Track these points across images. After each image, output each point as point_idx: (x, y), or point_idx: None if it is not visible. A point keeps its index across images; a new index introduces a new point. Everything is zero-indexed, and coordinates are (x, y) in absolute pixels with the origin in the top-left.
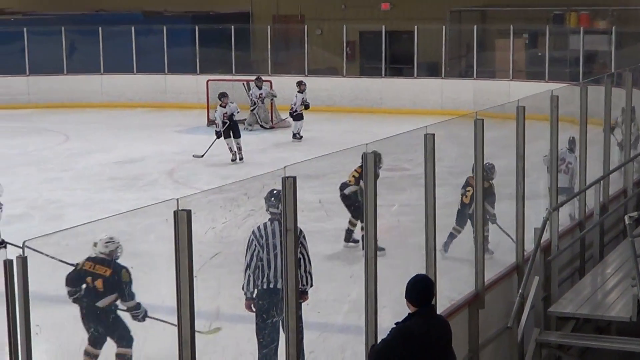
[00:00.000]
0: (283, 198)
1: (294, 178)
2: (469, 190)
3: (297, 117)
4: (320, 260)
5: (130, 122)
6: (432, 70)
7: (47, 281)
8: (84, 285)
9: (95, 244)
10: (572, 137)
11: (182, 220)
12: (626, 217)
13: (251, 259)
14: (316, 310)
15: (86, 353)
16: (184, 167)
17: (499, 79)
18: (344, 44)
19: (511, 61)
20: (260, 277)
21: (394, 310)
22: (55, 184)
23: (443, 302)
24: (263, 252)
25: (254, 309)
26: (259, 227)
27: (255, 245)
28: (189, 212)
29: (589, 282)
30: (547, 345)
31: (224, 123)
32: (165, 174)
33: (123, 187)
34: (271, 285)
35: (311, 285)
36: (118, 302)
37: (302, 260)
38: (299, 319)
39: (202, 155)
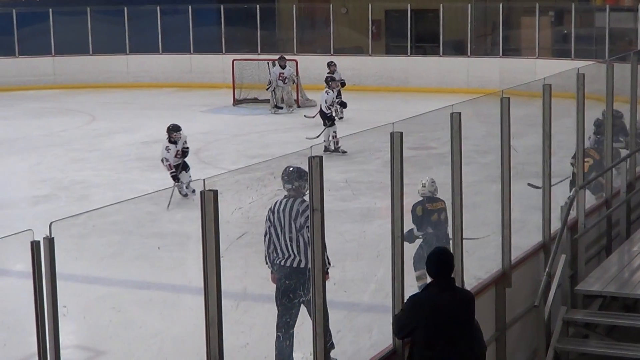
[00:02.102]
0: (310, 178)
1: (321, 157)
2: (587, 161)
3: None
4: (347, 239)
5: (156, 102)
6: (457, 49)
7: (74, 262)
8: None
9: (423, 185)
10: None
11: (209, 201)
12: None
13: (265, 234)
14: (343, 289)
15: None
16: (210, 146)
17: (525, 57)
18: (370, 23)
19: (537, 39)
20: (273, 252)
21: (420, 289)
22: (81, 165)
23: (470, 281)
24: (272, 228)
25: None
26: (275, 204)
27: (267, 220)
28: (215, 192)
29: (615, 260)
30: (574, 323)
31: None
32: (191, 153)
33: (149, 167)
34: (281, 262)
35: (329, 264)
36: None
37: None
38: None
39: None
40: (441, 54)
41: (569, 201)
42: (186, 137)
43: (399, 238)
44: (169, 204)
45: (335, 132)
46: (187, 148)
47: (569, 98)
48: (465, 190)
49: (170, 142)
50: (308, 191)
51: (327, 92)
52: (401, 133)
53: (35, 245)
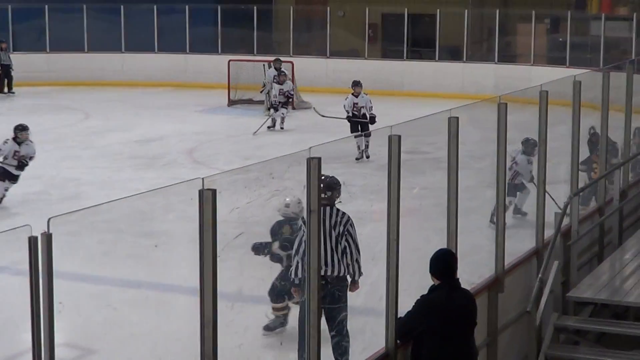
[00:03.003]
0: (307, 179)
1: (319, 159)
2: (595, 168)
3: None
4: None
5: (150, 101)
6: (453, 54)
7: (66, 259)
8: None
9: (287, 205)
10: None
11: (207, 200)
12: None
13: (299, 244)
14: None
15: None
16: (204, 146)
17: (520, 64)
18: (366, 26)
19: (532, 46)
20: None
21: (413, 293)
22: (74, 162)
23: (463, 286)
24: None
25: (298, 295)
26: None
27: (303, 231)
28: (214, 192)
29: (607, 267)
30: (564, 329)
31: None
32: (185, 153)
33: (142, 166)
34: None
35: (360, 274)
36: None
37: (347, 249)
38: (342, 305)
39: None
40: (437, 59)
41: (563, 208)
42: (34, 149)
43: (394, 241)
44: None
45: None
46: (27, 160)
47: (564, 105)
48: (459, 195)
49: (14, 140)
50: (339, 200)
51: (346, 98)
52: (399, 136)
53: (32, 241)
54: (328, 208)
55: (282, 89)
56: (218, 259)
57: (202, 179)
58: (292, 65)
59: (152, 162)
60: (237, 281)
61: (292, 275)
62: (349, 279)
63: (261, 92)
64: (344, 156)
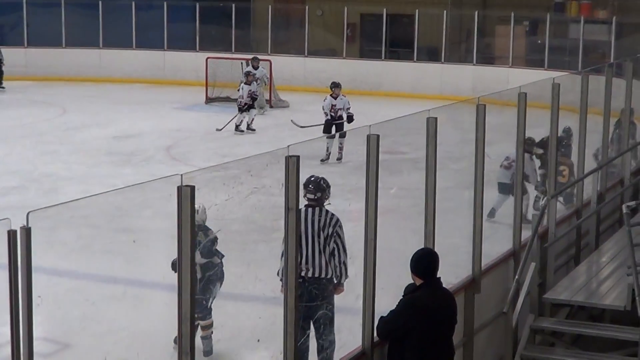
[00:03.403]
0: (286, 177)
1: (298, 157)
2: (564, 170)
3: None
4: None
5: (128, 98)
6: (431, 55)
7: (43, 254)
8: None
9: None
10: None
11: (186, 197)
12: (624, 207)
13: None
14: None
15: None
16: (181, 143)
17: (499, 66)
18: (345, 26)
19: (511, 48)
20: None
21: (391, 292)
22: (51, 157)
23: None
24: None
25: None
26: None
27: None
28: (192, 188)
29: (584, 270)
30: (541, 331)
31: None
32: (162, 150)
33: (120, 162)
34: (302, 274)
35: (346, 277)
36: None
37: (335, 250)
38: (330, 307)
39: None
40: (415, 59)
41: (541, 210)
42: None
43: (372, 240)
44: None
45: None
46: None
47: (542, 108)
48: (437, 196)
49: None
50: (328, 202)
51: (324, 99)
52: (377, 136)
53: (12, 235)
54: (317, 209)
55: (250, 90)
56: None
57: (181, 175)
58: (270, 63)
59: (130, 158)
60: None
61: (280, 276)
62: (335, 281)
63: (239, 90)
64: (320, 156)
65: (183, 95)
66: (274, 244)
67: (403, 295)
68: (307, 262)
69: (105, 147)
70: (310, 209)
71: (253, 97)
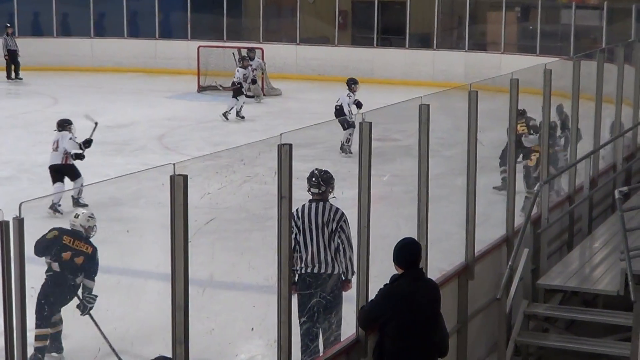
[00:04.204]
0: (278, 165)
1: (290, 145)
2: (534, 155)
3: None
4: None
5: (120, 87)
6: (423, 42)
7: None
8: (54, 262)
9: (76, 216)
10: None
11: (179, 186)
12: (616, 192)
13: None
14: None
15: (41, 338)
16: (174, 133)
17: (491, 52)
18: (336, 13)
19: (503, 34)
20: (298, 262)
21: (384, 279)
22: (43, 147)
23: (433, 273)
24: (300, 234)
25: (295, 293)
26: (297, 209)
27: (293, 227)
28: (185, 177)
29: (577, 255)
30: (534, 317)
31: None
32: (154, 139)
33: (112, 151)
34: (309, 270)
35: (353, 273)
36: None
37: (340, 246)
38: (337, 304)
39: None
40: (407, 46)
41: (533, 196)
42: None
43: (365, 228)
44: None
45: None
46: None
47: (534, 94)
48: (429, 183)
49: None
50: (333, 195)
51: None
52: (370, 123)
53: (4, 226)
54: (321, 203)
55: (245, 74)
56: (189, 245)
57: (174, 164)
58: (262, 51)
59: (122, 148)
60: (208, 267)
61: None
62: (343, 278)
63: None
64: (315, 143)
65: (175, 84)
66: (267, 233)
67: (384, 285)
68: (312, 259)
69: (97, 137)
70: (314, 204)
71: (242, 82)
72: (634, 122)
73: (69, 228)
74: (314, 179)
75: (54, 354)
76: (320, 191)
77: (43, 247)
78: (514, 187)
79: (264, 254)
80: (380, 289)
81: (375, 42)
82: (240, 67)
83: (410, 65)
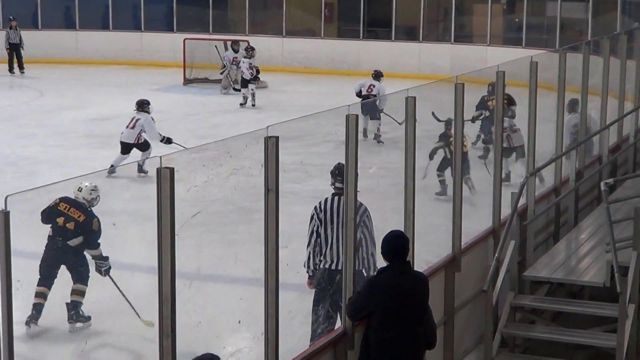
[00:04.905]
0: (265, 158)
1: (277, 138)
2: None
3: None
4: (298, 221)
5: (105, 80)
6: (409, 34)
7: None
8: (51, 226)
9: (79, 189)
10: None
11: (165, 178)
12: (602, 184)
13: (311, 234)
14: (295, 270)
15: (39, 295)
16: (160, 125)
17: (476, 44)
18: (322, 5)
19: (489, 26)
20: (318, 255)
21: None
22: (29, 140)
23: (420, 265)
24: (322, 227)
25: (311, 287)
26: (320, 202)
27: (315, 220)
28: (172, 170)
29: (563, 247)
30: (521, 308)
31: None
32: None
33: (98, 144)
34: (327, 265)
35: (375, 269)
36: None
37: (363, 241)
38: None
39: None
40: (393, 38)
41: (520, 188)
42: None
43: (352, 220)
44: None
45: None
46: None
47: (520, 86)
48: (416, 175)
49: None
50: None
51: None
52: (356, 116)
53: None
54: (343, 197)
55: (252, 64)
56: (176, 238)
57: (160, 157)
58: (248, 44)
59: (108, 141)
60: (195, 260)
61: (305, 267)
62: (365, 274)
63: (221, 72)
64: (302, 136)
65: (161, 77)
66: (253, 225)
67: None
68: (331, 252)
69: (83, 129)
70: (336, 197)
71: (255, 70)
72: (619, 114)
73: (73, 198)
74: (339, 175)
75: (78, 324)
76: (342, 185)
77: (44, 214)
78: (500, 179)
79: (251, 247)
80: (365, 280)
81: (361, 35)
82: (245, 57)
83: (397, 57)
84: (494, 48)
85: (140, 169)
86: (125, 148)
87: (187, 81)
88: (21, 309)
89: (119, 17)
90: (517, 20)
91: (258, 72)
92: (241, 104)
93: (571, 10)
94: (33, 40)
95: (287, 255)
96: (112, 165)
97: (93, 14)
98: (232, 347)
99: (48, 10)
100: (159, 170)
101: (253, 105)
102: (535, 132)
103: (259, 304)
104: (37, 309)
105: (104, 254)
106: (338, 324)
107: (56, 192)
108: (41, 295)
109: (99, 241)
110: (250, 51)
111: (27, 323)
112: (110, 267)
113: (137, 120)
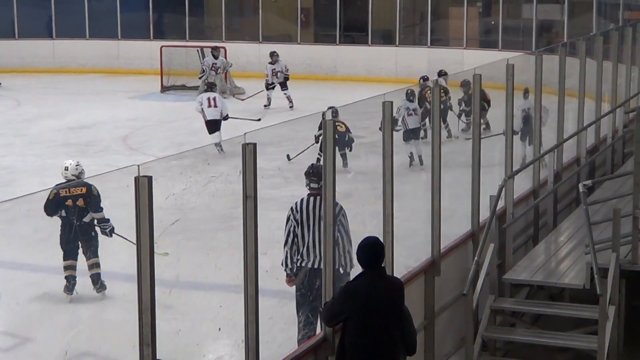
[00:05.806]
0: (243, 164)
1: (254, 145)
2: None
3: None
4: (277, 227)
5: (82, 88)
6: (386, 38)
7: (5, 247)
8: (62, 210)
9: (66, 168)
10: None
11: (143, 187)
12: (580, 185)
13: (287, 235)
14: (274, 277)
15: (68, 267)
16: (138, 133)
17: (453, 47)
18: (299, 11)
19: (465, 29)
20: (296, 254)
21: (352, 276)
22: (6, 150)
23: (400, 269)
24: (298, 227)
25: (292, 285)
26: (296, 203)
27: (291, 220)
28: (150, 179)
29: (542, 249)
30: (501, 312)
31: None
32: (118, 140)
33: (76, 153)
34: (304, 264)
35: (352, 267)
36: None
37: (339, 239)
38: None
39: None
40: (370, 43)
41: (498, 191)
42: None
43: (330, 225)
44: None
45: None
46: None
47: (497, 89)
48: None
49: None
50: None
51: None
52: (333, 121)
53: None
54: (319, 198)
55: (275, 69)
56: (155, 246)
57: (138, 166)
58: (225, 50)
59: (86, 149)
60: (174, 267)
61: (283, 266)
62: (341, 271)
63: (200, 77)
64: (280, 142)
65: (138, 85)
66: (233, 232)
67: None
68: (308, 252)
69: (61, 138)
70: (312, 198)
71: (285, 75)
72: (596, 116)
73: (63, 180)
74: (313, 175)
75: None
76: (319, 185)
77: (49, 207)
78: (479, 182)
79: (231, 254)
80: (341, 286)
81: (337, 40)
82: (269, 63)
83: (374, 62)
84: (471, 51)
85: (221, 148)
86: (216, 124)
87: (165, 88)
88: (2, 319)
89: (96, 25)
90: (493, 23)
91: (287, 78)
92: (265, 106)
93: (547, 12)
94: (10, 49)
95: (266, 261)
96: (218, 145)
97: (70, 23)
98: (213, 354)
99: (25, 20)
100: (137, 179)
101: (291, 107)
102: (512, 134)
103: (239, 310)
104: (69, 280)
105: (84, 264)
106: (319, 330)
107: (35, 201)
108: (70, 268)
109: (101, 205)
110: (273, 56)
111: (65, 292)
112: (113, 227)
113: (215, 98)
